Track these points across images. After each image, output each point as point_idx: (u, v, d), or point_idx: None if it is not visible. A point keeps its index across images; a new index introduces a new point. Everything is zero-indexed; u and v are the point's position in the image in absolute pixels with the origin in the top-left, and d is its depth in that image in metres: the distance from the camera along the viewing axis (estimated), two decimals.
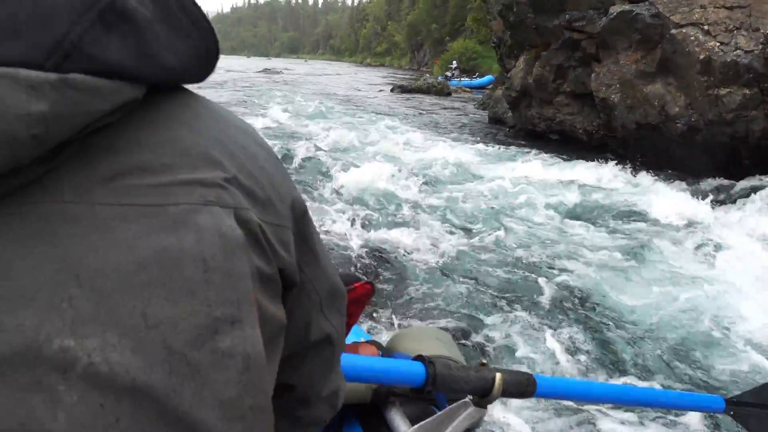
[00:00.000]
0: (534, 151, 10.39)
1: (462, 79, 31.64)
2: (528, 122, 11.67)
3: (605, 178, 8.25)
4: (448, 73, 33.48)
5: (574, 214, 6.60)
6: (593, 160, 9.24)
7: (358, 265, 4.67)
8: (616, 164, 8.93)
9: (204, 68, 0.47)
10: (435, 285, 4.36)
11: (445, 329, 3.41)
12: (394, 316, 3.76)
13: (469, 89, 27.96)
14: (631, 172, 8.42)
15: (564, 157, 9.80)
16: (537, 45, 10.50)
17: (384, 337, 3.27)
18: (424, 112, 17.13)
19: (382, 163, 8.49)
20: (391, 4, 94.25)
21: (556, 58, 10.09)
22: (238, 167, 0.47)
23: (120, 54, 0.39)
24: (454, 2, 56.16)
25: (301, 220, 0.54)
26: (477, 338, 3.59)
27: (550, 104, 10.90)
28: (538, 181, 7.95)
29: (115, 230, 0.38)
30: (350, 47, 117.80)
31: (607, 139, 9.39)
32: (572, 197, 7.17)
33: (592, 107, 10.20)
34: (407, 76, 41.63)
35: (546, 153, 10.12)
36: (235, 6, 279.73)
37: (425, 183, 7.55)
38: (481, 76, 32.83)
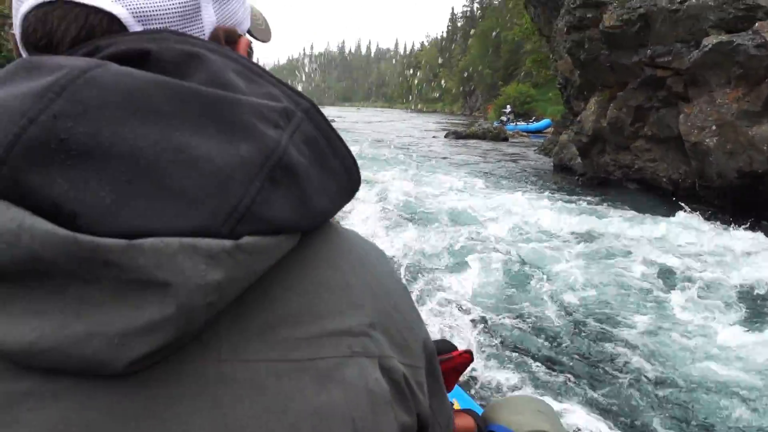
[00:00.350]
0: (610, 203, 9.31)
1: (518, 123, 31.01)
2: (601, 170, 10.52)
3: (698, 235, 7.11)
4: (504, 118, 32.91)
5: (664, 277, 5.59)
6: (680, 213, 8.14)
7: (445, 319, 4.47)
8: (710, 218, 7.74)
9: (348, 201, 0.46)
10: (527, 347, 4.13)
11: (545, 396, 3.25)
12: (490, 381, 3.61)
13: (526, 134, 27.30)
14: (731, 229, 7.21)
15: (645, 209, 8.69)
16: (611, 85, 9.45)
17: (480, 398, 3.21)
18: (484, 159, 16.17)
19: (446, 218, 7.76)
20: (443, 50, 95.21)
21: (634, 98, 9.00)
22: (380, 310, 0.46)
23: (284, 209, 0.39)
24: (506, 47, 56.18)
25: (431, 358, 0.53)
26: (580, 407, 3.31)
27: (626, 150, 9.76)
28: (619, 238, 6.90)
29: (268, 390, 0.38)
30: (402, 94, 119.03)
31: (700, 189, 8.15)
32: (659, 257, 6.14)
33: (677, 152, 9.02)
34: (460, 122, 41.30)
35: (624, 205, 9.01)
36: (291, 57, 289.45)
37: (495, 240, 6.64)
38: (537, 120, 32.10)
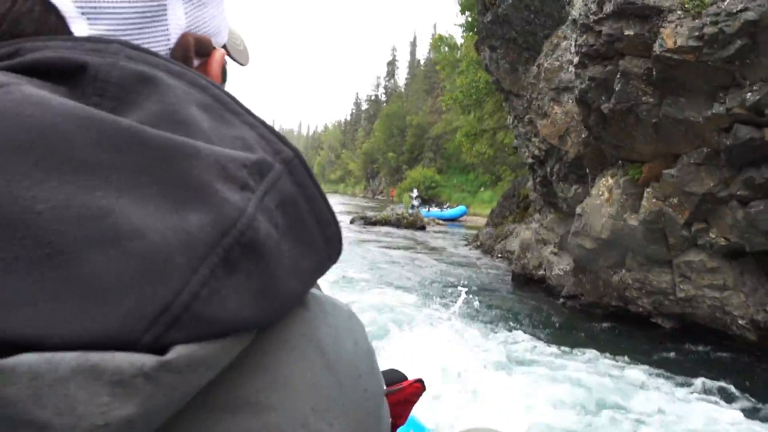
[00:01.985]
0: (638, 357, 5.28)
1: (431, 209, 27.82)
2: (611, 294, 6.52)
3: None
4: (415, 202, 29.78)
5: None
6: None
7: None
8: None
9: (321, 276, 0.36)
10: None
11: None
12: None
13: (442, 222, 23.94)
14: None
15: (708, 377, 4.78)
16: (646, 157, 5.60)
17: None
18: (406, 258, 11.90)
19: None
20: (346, 133, 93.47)
21: (698, 180, 5.15)
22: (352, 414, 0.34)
23: (238, 304, 0.28)
24: (412, 131, 54.75)
25: None
26: None
27: (666, 265, 5.84)
28: None
29: None
30: None
31: None
32: None
33: (766, 278, 5.20)
34: (365, 204, 38.03)
35: (667, 368, 5.01)
36: None
37: None
38: (447, 207, 29.23)
